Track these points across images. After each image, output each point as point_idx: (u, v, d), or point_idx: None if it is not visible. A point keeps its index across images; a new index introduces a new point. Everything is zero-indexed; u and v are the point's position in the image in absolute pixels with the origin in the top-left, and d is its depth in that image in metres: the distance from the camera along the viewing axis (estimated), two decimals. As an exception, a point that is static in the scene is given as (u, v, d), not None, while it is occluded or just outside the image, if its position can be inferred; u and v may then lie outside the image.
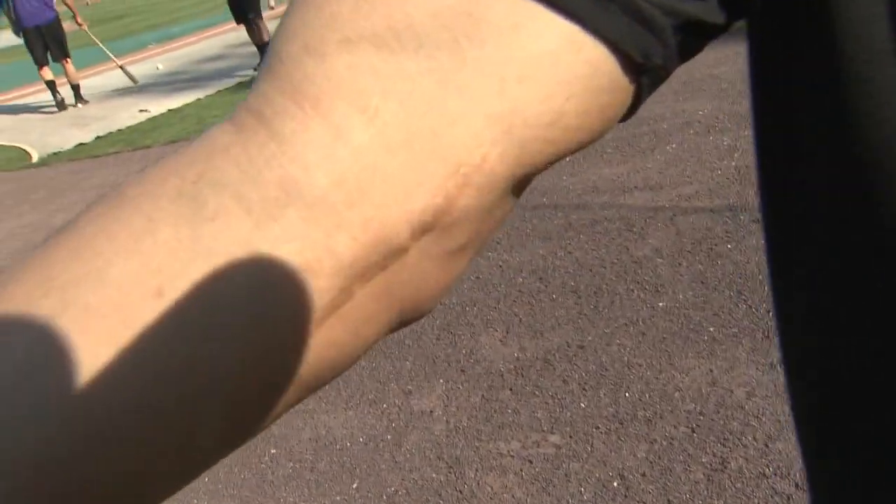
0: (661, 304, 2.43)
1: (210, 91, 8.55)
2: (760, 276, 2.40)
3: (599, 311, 2.48)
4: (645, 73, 0.27)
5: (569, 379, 2.23)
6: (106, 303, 0.22)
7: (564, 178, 3.51)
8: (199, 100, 8.28)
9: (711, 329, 2.25)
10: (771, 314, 2.11)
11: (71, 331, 0.21)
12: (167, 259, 0.22)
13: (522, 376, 2.29)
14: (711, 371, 2.09)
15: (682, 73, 2.57)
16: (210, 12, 15.48)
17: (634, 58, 0.26)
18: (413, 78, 0.24)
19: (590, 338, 2.37)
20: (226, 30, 11.98)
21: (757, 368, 2.05)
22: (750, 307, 2.29)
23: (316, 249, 0.23)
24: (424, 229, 0.25)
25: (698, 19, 0.26)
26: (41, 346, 0.21)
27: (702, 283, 2.46)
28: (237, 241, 0.23)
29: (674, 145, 3.54)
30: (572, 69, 0.25)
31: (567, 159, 0.26)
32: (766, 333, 2.17)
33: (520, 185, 0.27)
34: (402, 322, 0.28)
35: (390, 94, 0.24)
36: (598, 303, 2.53)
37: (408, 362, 2.51)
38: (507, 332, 2.52)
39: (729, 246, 2.61)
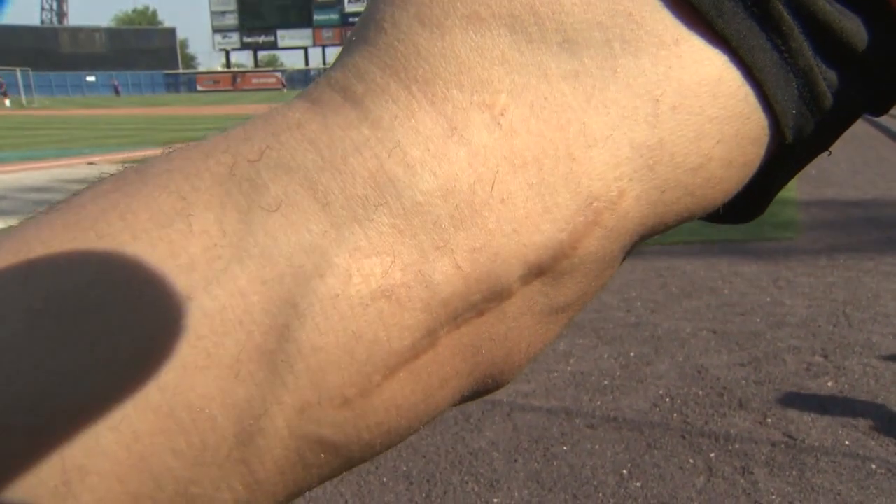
0: (495, 500, 2.31)
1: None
2: (595, 482, 2.38)
3: (431, 501, 2.32)
4: (783, 154, 0.23)
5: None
6: None
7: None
8: (12, 227, 7.69)
9: (547, 531, 2.15)
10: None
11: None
12: (204, 254, 0.17)
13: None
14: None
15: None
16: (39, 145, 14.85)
17: (786, 135, 0.22)
18: (551, 79, 0.19)
19: (420, 529, 2.19)
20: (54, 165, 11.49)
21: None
22: (586, 512, 2.23)
23: (406, 272, 0.18)
24: (539, 271, 0.20)
25: (856, 109, 0.23)
26: None
27: (537, 482, 2.40)
28: (302, 245, 0.18)
29: (512, 344, 3.59)
30: (729, 107, 0.21)
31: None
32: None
33: (634, 245, 0.22)
34: (476, 393, 0.22)
35: (522, 94, 0.19)
36: (430, 491, 2.38)
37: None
38: (330, 514, 2.29)
39: (564, 448, 2.59)
